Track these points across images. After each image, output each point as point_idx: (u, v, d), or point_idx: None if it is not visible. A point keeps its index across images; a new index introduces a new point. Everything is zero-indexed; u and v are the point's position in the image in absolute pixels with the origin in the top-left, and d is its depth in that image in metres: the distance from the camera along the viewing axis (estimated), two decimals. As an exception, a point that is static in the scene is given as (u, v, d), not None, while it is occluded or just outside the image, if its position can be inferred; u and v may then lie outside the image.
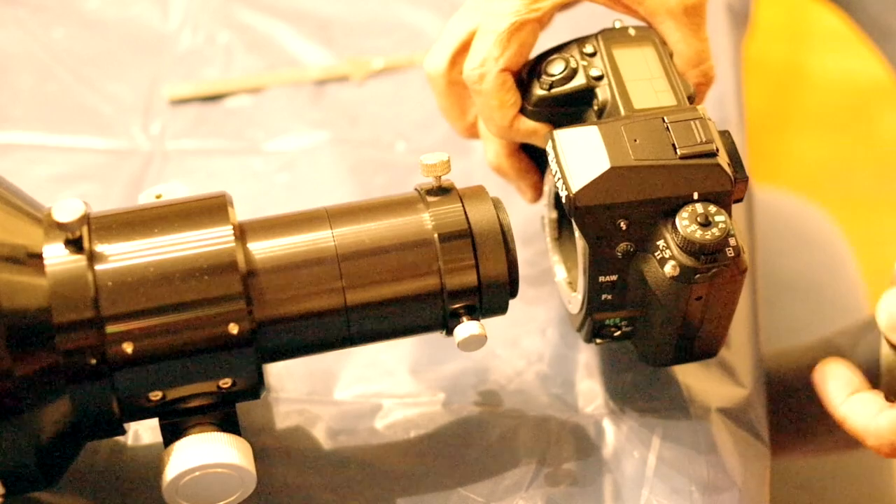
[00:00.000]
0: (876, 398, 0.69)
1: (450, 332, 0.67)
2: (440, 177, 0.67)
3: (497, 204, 0.67)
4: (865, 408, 0.68)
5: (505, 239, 0.66)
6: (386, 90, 0.92)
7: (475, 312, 0.66)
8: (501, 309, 0.67)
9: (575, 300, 0.69)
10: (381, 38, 0.95)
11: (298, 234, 0.65)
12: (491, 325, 0.67)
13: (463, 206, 0.66)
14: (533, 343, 0.76)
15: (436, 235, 0.65)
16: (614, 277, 0.66)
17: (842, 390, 0.69)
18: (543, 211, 0.74)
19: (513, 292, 0.67)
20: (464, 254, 0.65)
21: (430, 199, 0.66)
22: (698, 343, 0.68)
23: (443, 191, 0.67)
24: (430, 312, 0.66)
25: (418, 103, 0.91)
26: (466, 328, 0.66)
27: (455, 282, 0.65)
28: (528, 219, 0.80)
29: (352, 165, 0.87)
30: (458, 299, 0.65)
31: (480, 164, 0.82)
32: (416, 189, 0.68)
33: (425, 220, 0.65)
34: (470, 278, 0.65)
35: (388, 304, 0.65)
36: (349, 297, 0.64)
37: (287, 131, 0.89)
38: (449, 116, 0.77)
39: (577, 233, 0.65)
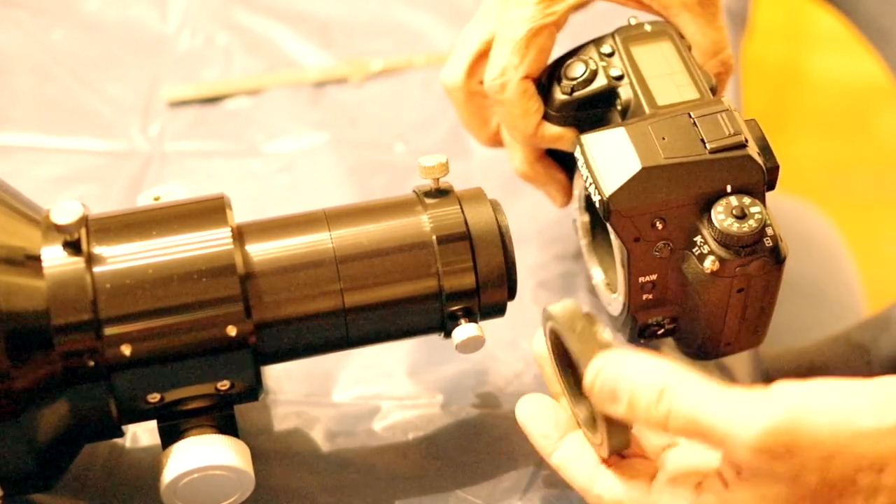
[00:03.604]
0: (586, 449, 0.62)
1: (448, 334, 0.67)
2: (438, 179, 0.66)
3: (495, 206, 0.66)
4: (580, 462, 0.62)
5: (503, 241, 0.66)
6: (385, 91, 0.92)
7: (473, 314, 0.66)
8: (499, 311, 0.67)
9: (615, 302, 0.69)
10: (380, 39, 0.95)
11: (297, 236, 0.65)
12: (489, 327, 0.67)
13: (461, 208, 0.66)
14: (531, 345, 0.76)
15: (434, 238, 0.65)
16: (654, 277, 0.66)
17: (551, 432, 0.64)
18: (574, 214, 0.74)
19: (511, 294, 0.67)
20: (462, 256, 0.65)
21: (428, 201, 0.66)
22: (743, 334, 0.68)
23: (441, 193, 0.67)
24: (429, 314, 0.66)
25: (417, 104, 0.91)
26: (464, 330, 0.66)
27: (453, 284, 0.65)
28: (527, 223, 0.81)
29: (351, 167, 0.87)
30: (456, 301, 0.65)
31: (479, 166, 0.82)
32: (414, 191, 0.67)
33: (423, 223, 0.65)
34: (468, 280, 0.65)
35: (386, 307, 0.65)
36: (347, 300, 0.64)
37: (286, 133, 0.89)
38: (470, 127, 0.76)
39: (613, 235, 0.65)
